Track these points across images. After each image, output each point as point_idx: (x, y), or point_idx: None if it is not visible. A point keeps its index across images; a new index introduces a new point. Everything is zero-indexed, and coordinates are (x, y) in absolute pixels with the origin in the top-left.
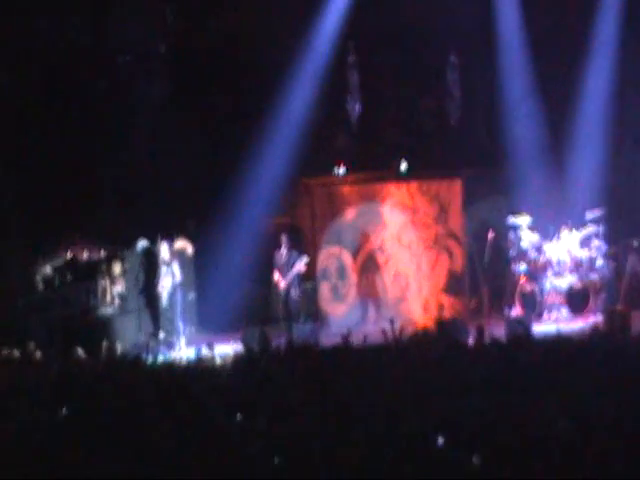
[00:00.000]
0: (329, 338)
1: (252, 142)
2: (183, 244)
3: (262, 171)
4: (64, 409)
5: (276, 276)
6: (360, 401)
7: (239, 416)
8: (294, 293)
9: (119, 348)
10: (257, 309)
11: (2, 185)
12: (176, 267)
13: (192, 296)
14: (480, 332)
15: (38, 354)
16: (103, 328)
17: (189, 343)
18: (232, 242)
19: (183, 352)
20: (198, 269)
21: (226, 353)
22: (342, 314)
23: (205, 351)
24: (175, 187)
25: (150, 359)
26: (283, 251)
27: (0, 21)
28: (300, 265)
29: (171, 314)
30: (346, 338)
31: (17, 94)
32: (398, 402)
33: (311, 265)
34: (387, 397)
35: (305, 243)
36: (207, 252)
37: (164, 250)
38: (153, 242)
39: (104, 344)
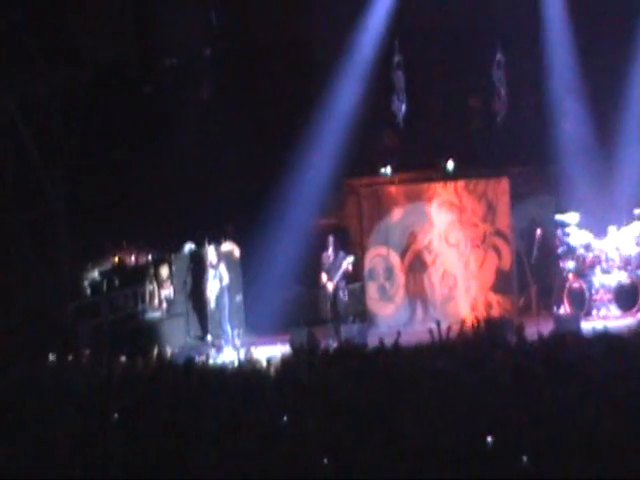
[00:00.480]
0: (377, 338)
1: (298, 143)
2: (230, 247)
3: (308, 172)
4: (115, 414)
5: (323, 278)
6: (409, 401)
7: (288, 418)
8: (342, 294)
9: (167, 352)
10: (304, 311)
11: (52, 190)
12: (223, 270)
13: (239, 298)
14: (520, 330)
15: (87, 358)
16: (151, 332)
17: (237, 345)
18: (279, 244)
19: (231, 355)
20: (245, 271)
21: (274, 355)
22: (390, 314)
23: (254, 353)
24: (222, 190)
25: (200, 362)
26: (330, 252)
27: (49, 25)
28: (347, 266)
29: (218, 317)
30: (396, 339)
31: (65, 99)
32: (446, 402)
33: (358, 266)
34: (435, 397)
35: (352, 244)
36: (254, 254)
37: (211, 253)
38: (200, 245)
39: (155, 348)
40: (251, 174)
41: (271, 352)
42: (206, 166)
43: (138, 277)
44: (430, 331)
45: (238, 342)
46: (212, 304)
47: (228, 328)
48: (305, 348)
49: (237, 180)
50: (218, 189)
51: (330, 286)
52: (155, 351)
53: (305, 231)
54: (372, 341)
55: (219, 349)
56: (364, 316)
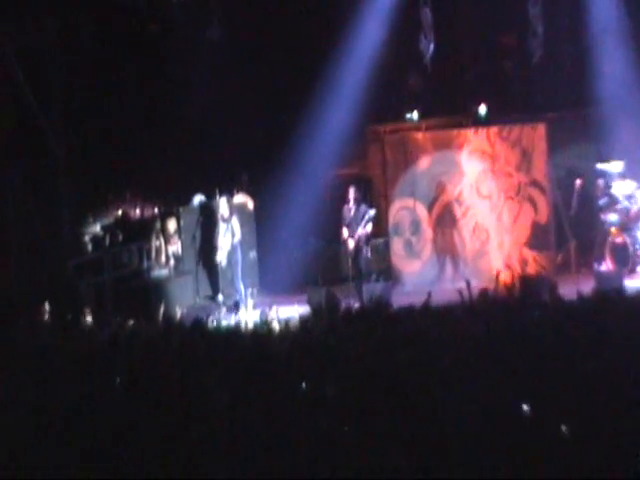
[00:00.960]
0: (403, 297)
1: (317, 87)
2: (243, 199)
3: (328, 118)
4: (117, 379)
5: (344, 232)
6: (438, 368)
7: (307, 384)
8: (364, 250)
9: (176, 312)
10: (323, 268)
11: (52, 139)
12: (236, 224)
13: (253, 255)
14: (553, 289)
15: (89, 319)
16: (157, 291)
17: (250, 306)
18: (296, 196)
19: (245, 316)
20: (259, 226)
21: (291, 316)
22: (417, 272)
23: (269, 314)
24: (234, 138)
25: (210, 323)
26: (351, 205)
27: None
28: (369, 219)
29: (231, 275)
30: (427, 299)
31: (68, 43)
32: (479, 370)
33: (382, 219)
34: (467, 363)
35: (375, 196)
36: (269, 207)
37: (223, 206)
38: (211, 197)
39: (160, 308)
40: (266, 121)
41: (288, 313)
42: (217, 112)
43: (143, 232)
44: (459, 291)
45: (252, 302)
46: (223, 261)
47: (241, 287)
48: (324, 308)
49: (251, 127)
50: (230, 136)
51: (351, 242)
52: (162, 312)
53: (324, 182)
54: (397, 300)
55: (231, 310)
56: (388, 274)
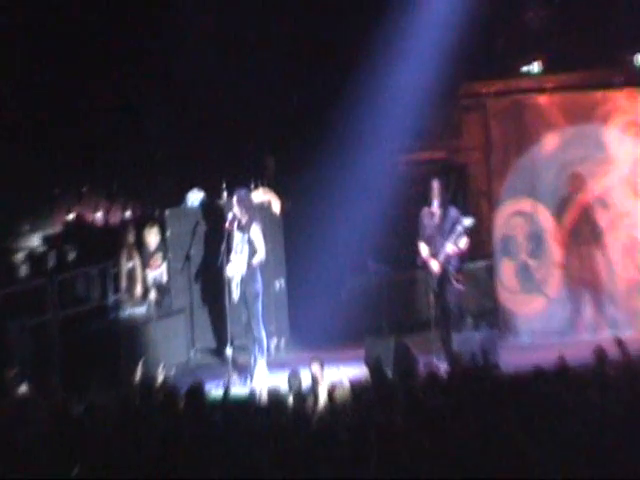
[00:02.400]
0: (516, 354)
1: (379, 30)
2: (265, 197)
3: (396, 77)
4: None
5: (423, 251)
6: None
7: None
8: (453, 279)
9: (160, 374)
10: (390, 307)
11: None
12: (256, 235)
13: (281, 285)
14: None
15: (23, 387)
16: (130, 340)
17: (276, 364)
18: (346, 195)
19: (268, 380)
20: (290, 239)
21: (339, 381)
22: (537, 314)
23: (305, 378)
24: (252, 105)
25: (214, 392)
26: (434, 209)
27: None
28: (463, 231)
29: (246, 316)
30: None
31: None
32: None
33: (484, 231)
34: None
35: (473, 194)
36: (305, 211)
37: (234, 207)
38: (214, 194)
39: (136, 367)
40: (303, 81)
41: (334, 377)
42: (226, 65)
43: (109, 248)
44: (618, 342)
45: (278, 356)
46: (235, 294)
47: (262, 334)
48: (392, 370)
49: (280, 90)
50: (247, 102)
51: (435, 266)
52: (137, 374)
53: (391, 174)
54: (507, 360)
55: (246, 372)
56: (493, 317)
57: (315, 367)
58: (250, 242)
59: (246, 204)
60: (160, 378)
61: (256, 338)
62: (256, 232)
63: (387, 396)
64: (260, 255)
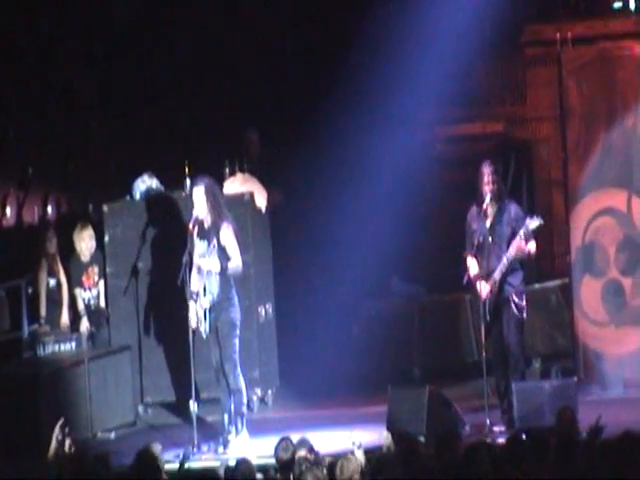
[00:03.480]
0: (604, 412)
1: None
2: (245, 187)
3: (427, 17)
4: None
5: (471, 267)
6: None
7: None
8: (512, 305)
9: (95, 438)
10: (421, 342)
11: None
12: (229, 240)
13: (268, 311)
14: None
15: None
16: (53, 388)
17: (261, 426)
18: (357, 186)
19: (248, 450)
20: (281, 247)
21: (349, 452)
22: (633, 355)
23: (301, 446)
24: (227, 65)
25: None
26: (486, 205)
27: None
28: (529, 235)
29: (217, 356)
30: None
31: None
32: None
33: (556, 237)
34: None
35: (541, 184)
36: (304, 208)
37: (199, 199)
38: (172, 182)
39: (56, 426)
40: (298, 29)
41: (343, 445)
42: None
43: (21, 258)
44: None
45: (264, 414)
46: (202, 324)
47: (241, 383)
48: (424, 436)
49: (267, 43)
50: (223, 57)
51: (485, 288)
52: (56, 432)
53: (422, 155)
54: (590, 421)
55: (217, 436)
56: (570, 360)
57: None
58: (220, 250)
59: (211, 199)
60: (99, 444)
61: (232, 389)
62: (228, 236)
63: (418, 473)
64: (236, 262)
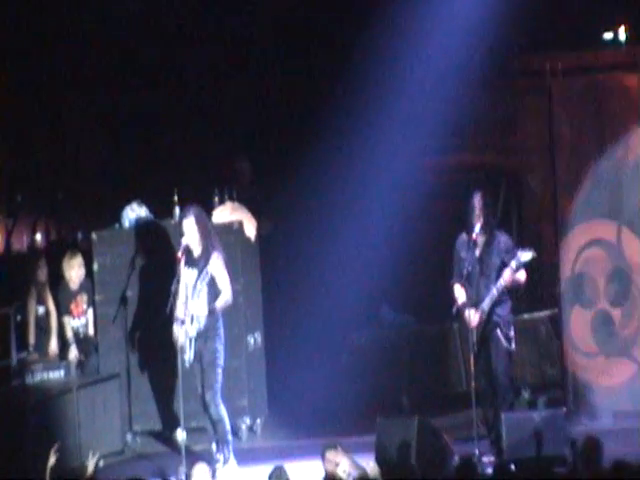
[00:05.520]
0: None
1: None
2: (235, 215)
3: (419, 48)
4: None
5: (458, 296)
6: None
7: None
8: (501, 336)
9: (84, 467)
10: (410, 372)
11: None
12: (219, 273)
13: (257, 339)
14: None
15: None
16: (40, 418)
17: (250, 455)
18: (347, 215)
19: (235, 477)
20: (270, 275)
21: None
22: (623, 385)
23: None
24: (218, 94)
25: None
26: (475, 235)
27: None
28: (520, 267)
29: (203, 385)
30: None
31: None
32: None
33: (545, 267)
34: None
35: (531, 214)
36: (292, 236)
37: (190, 228)
38: (161, 210)
39: (50, 456)
40: (289, 57)
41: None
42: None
43: (10, 285)
44: None
45: (253, 444)
46: (188, 354)
47: (223, 413)
48: (414, 466)
49: (258, 69)
50: (215, 86)
51: (474, 317)
52: (51, 461)
53: (412, 185)
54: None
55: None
56: (559, 391)
57: (332, 455)
58: (210, 281)
59: (202, 229)
60: (90, 470)
61: (214, 419)
62: (217, 266)
63: None
64: (225, 297)
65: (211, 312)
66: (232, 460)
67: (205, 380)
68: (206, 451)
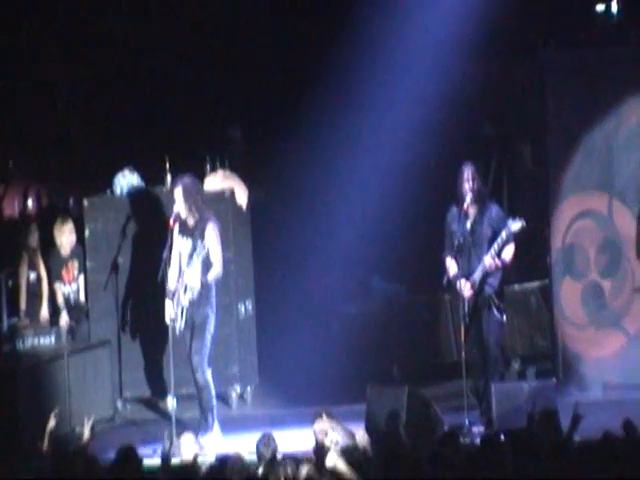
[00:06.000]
0: (584, 415)
1: None
2: (226, 183)
3: (412, 18)
4: None
5: (450, 268)
6: None
7: None
8: (494, 307)
9: (76, 432)
10: (400, 341)
11: None
12: (211, 238)
13: (247, 308)
14: None
15: None
16: (32, 383)
17: (240, 422)
18: (339, 183)
19: (223, 445)
20: (261, 245)
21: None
22: (613, 356)
23: (276, 446)
24: (209, 61)
25: (150, 463)
26: (466, 205)
27: None
28: (509, 239)
29: (195, 351)
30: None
31: None
32: None
33: (536, 238)
34: None
35: (521, 183)
36: (284, 206)
37: (178, 197)
38: (153, 177)
39: (49, 420)
40: (283, 25)
41: (314, 442)
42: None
43: (1, 251)
44: None
45: (243, 411)
46: (180, 321)
47: (208, 378)
48: (403, 435)
49: (251, 36)
50: (205, 53)
51: (466, 289)
52: (51, 424)
53: (403, 153)
54: (568, 418)
55: (195, 431)
56: (549, 361)
57: (322, 424)
58: (202, 247)
59: (194, 198)
60: (83, 438)
61: (199, 384)
62: (212, 238)
63: (395, 471)
64: (216, 270)
65: (203, 285)
66: (216, 427)
67: (193, 344)
68: (196, 419)
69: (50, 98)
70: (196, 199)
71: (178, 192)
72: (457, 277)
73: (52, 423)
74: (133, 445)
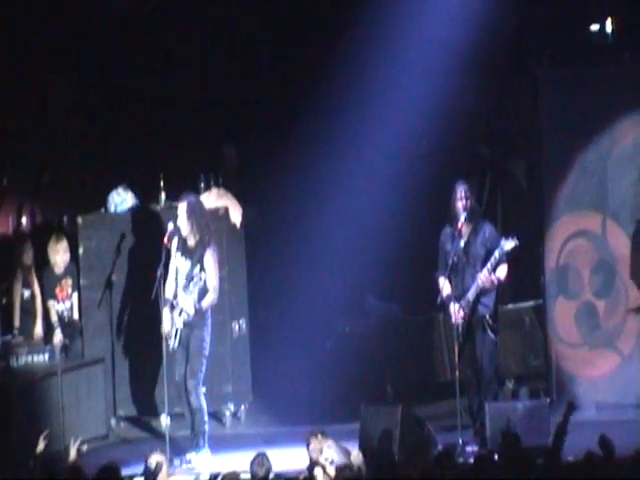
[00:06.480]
0: (577, 435)
1: None
2: (220, 202)
3: (411, 33)
4: None
5: (445, 288)
6: None
7: None
8: (488, 328)
9: (67, 450)
10: (394, 361)
11: None
12: (209, 264)
13: (241, 326)
14: None
15: None
16: (25, 401)
17: (233, 441)
18: (333, 202)
19: (213, 465)
20: (255, 263)
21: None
22: (607, 376)
23: (269, 465)
24: (204, 79)
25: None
26: (460, 224)
27: None
28: (502, 257)
29: (188, 371)
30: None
31: None
32: None
33: (532, 257)
34: None
35: (515, 203)
36: (274, 225)
37: (181, 215)
38: (147, 195)
39: (40, 440)
40: (275, 42)
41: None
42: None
43: None
44: None
45: (236, 430)
46: (172, 340)
47: (203, 402)
48: (397, 454)
49: (244, 55)
50: (201, 72)
51: (456, 311)
52: (40, 447)
53: (399, 172)
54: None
55: (187, 450)
56: (543, 381)
57: (316, 442)
58: (200, 265)
59: (197, 217)
60: (72, 455)
61: (193, 407)
62: (210, 265)
63: None
64: (211, 297)
65: (197, 312)
66: (206, 449)
67: (189, 367)
68: (189, 437)
69: (44, 115)
70: (199, 219)
71: (182, 208)
72: (450, 298)
73: (41, 446)
74: (119, 464)
